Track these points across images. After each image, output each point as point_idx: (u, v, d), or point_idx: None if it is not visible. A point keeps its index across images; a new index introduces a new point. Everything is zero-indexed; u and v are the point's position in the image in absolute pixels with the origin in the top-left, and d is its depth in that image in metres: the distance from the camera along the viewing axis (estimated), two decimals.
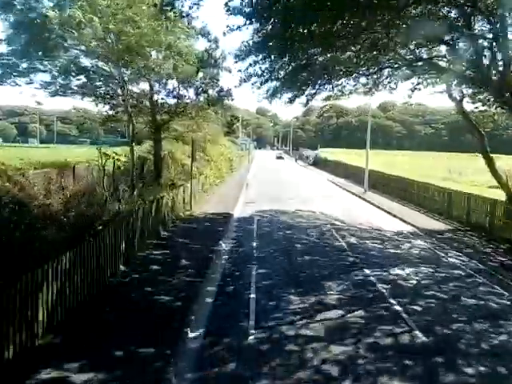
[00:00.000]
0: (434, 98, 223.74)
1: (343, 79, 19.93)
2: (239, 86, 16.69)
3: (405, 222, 20.59)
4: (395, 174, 32.90)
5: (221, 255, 13.22)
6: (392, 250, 14.75)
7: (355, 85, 21.16)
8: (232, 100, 21.08)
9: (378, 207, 25.10)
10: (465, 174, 46.94)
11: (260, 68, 17.01)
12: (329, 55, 16.95)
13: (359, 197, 29.54)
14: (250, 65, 15.64)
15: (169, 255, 12.67)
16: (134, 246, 12.53)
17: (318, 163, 61.22)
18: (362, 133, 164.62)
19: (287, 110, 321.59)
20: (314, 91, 20.25)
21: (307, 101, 20.52)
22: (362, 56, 17.68)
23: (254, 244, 14.83)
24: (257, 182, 35.82)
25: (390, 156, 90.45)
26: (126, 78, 16.64)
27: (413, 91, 20.38)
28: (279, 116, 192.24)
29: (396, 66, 18.65)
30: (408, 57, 17.82)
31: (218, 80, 20.27)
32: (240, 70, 17.29)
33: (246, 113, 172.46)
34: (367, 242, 15.77)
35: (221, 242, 14.66)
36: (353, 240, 15.83)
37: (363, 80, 20.95)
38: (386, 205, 25.36)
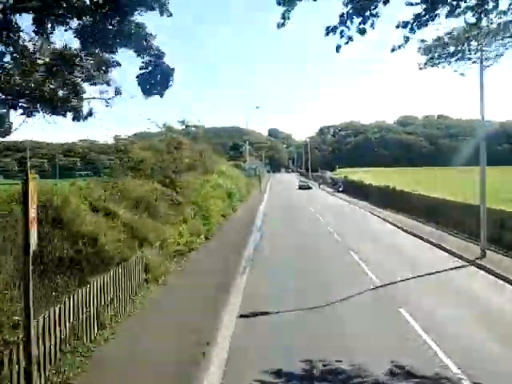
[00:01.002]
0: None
1: None
2: None
3: None
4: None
5: None
6: None
7: None
8: None
9: None
10: None
11: None
12: None
13: (492, 272, 13.55)
14: None
15: None
16: None
17: (348, 189, 45.69)
18: (382, 150, 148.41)
19: (300, 131, 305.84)
20: None
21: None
22: None
23: None
24: (269, 242, 19.88)
25: (426, 174, 73.49)
26: None
27: None
28: (293, 137, 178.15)
29: None
30: None
31: None
32: None
33: (258, 136, 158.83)
34: None
35: None
36: None
37: None
38: None
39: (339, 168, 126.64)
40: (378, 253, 16.59)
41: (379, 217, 26.57)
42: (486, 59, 13.51)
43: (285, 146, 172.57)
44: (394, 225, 23.64)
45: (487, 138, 16.35)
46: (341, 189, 46.62)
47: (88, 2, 5.71)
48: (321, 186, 57.03)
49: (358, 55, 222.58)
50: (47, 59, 7.06)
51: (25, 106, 8.92)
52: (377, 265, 14.41)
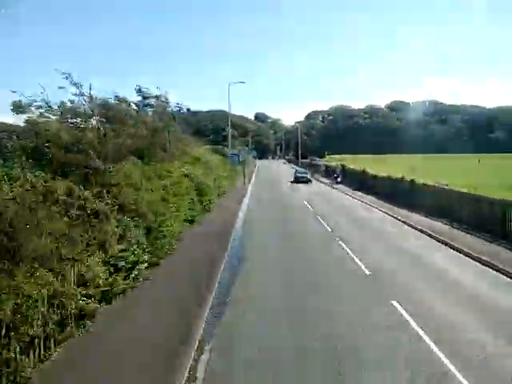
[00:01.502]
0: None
1: None
2: None
3: None
4: None
5: None
6: None
7: None
8: None
9: None
10: None
11: None
12: None
13: None
14: None
15: None
16: None
17: (348, 180, 38.61)
18: (373, 136, 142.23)
19: (289, 116, 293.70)
20: None
21: None
22: None
23: None
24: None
25: (443, 161, 65.83)
26: None
27: None
28: (281, 122, 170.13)
29: None
30: None
31: None
32: None
33: (244, 119, 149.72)
34: None
35: None
36: None
37: None
38: None
39: (328, 154, 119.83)
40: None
41: (418, 229, 18.44)
42: None
43: (272, 131, 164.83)
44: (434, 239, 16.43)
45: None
46: (339, 179, 39.38)
47: None
48: (314, 176, 49.73)
49: (351, 39, 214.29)
50: None
51: None
52: None
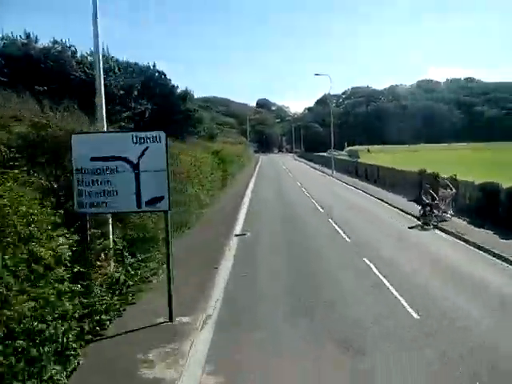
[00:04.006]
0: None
1: None
2: None
3: None
4: None
5: None
6: None
7: None
8: None
9: None
10: None
11: None
12: None
13: None
14: None
15: None
16: None
17: None
18: (401, 122, 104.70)
19: (296, 103, 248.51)
20: None
21: None
22: None
23: None
24: None
25: None
26: None
27: None
28: (288, 108, 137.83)
29: None
30: None
31: None
32: None
33: (243, 107, 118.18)
34: None
35: None
36: None
37: None
38: None
39: (349, 146, 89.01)
40: None
41: None
42: None
43: (277, 120, 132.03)
44: None
45: None
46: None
47: None
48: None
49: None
50: None
51: None
52: None
